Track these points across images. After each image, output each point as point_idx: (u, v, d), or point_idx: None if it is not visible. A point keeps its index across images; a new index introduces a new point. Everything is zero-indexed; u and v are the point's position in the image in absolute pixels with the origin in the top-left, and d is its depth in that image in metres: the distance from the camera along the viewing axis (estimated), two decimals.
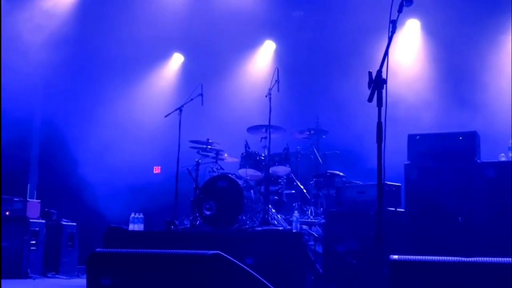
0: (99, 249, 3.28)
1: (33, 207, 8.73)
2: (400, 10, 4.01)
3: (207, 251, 2.84)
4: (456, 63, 8.96)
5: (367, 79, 3.82)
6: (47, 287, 7.49)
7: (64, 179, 10.54)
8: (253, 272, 2.88)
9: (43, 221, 8.79)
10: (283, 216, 7.76)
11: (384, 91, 3.73)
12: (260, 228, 7.21)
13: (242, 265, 2.87)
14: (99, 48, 10.71)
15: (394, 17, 3.99)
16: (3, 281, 7.70)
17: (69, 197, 10.34)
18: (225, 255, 2.85)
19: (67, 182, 10.49)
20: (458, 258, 2.70)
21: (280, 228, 7.25)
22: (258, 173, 8.02)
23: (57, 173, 10.74)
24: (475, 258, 2.76)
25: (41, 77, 10.50)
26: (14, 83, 9.70)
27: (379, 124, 3.70)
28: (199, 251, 2.87)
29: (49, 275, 8.59)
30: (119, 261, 3.12)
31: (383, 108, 3.71)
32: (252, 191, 7.88)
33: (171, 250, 2.94)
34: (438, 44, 9.33)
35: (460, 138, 6.31)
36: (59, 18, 10.56)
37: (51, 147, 10.86)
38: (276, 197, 8.17)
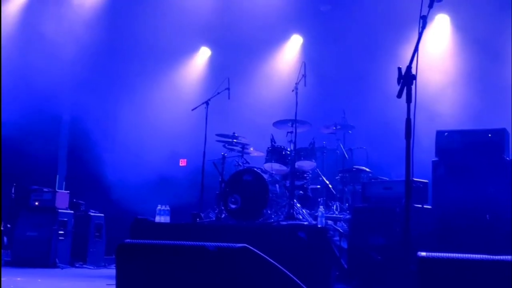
0: (128, 240, 3.32)
1: (62, 198, 8.87)
2: (431, 5, 3.97)
3: (234, 244, 2.86)
4: (486, 58, 8.83)
5: (395, 74, 3.79)
6: (74, 277, 7.59)
7: (92, 171, 10.69)
8: (280, 266, 2.90)
9: (72, 211, 8.92)
10: (308, 211, 7.75)
11: (413, 87, 3.70)
12: (285, 223, 7.22)
13: (269, 259, 2.89)
14: (126, 42, 10.83)
15: (424, 13, 3.94)
16: (32, 270, 7.86)
17: (97, 189, 10.48)
18: (252, 248, 2.87)
19: (95, 174, 10.64)
20: (488, 256, 2.68)
21: (305, 223, 7.25)
22: (284, 168, 8.03)
23: (85, 165, 10.90)
24: (504, 256, 2.73)
25: (71, 71, 10.64)
26: (45, 79, 9.88)
27: (408, 120, 3.67)
28: (226, 244, 2.89)
29: (77, 265, 8.73)
30: (148, 252, 3.16)
31: (412, 104, 3.69)
32: (277, 185, 7.90)
33: (200, 242, 2.97)
34: (467, 39, 9.21)
35: (489, 135, 6.23)
36: (87, 15, 10.69)
37: (79, 140, 11.01)
38: (301, 191, 8.17)
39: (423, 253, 2.78)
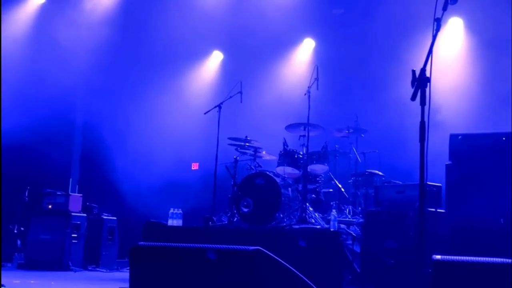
0: (142, 242, 3.33)
1: (75, 201, 8.91)
2: (445, 8, 3.94)
3: (248, 247, 2.86)
4: (499, 61, 8.78)
5: (408, 77, 3.77)
6: (87, 280, 7.62)
7: (105, 174, 10.74)
8: (293, 269, 2.89)
9: (85, 215, 8.96)
10: (320, 215, 7.74)
11: (427, 89, 3.68)
12: (297, 226, 7.21)
13: (283, 261, 2.88)
14: (139, 47, 10.89)
15: (438, 15, 3.92)
16: (46, 273, 7.90)
17: (109, 192, 10.53)
18: (265, 251, 2.87)
19: (108, 177, 10.68)
20: (502, 259, 2.66)
21: (318, 227, 7.24)
22: (296, 171, 8.02)
23: (98, 168, 10.95)
24: None
25: (84, 77, 10.72)
26: (58, 85, 9.96)
27: (422, 123, 3.65)
28: (240, 247, 2.89)
29: (90, 268, 8.76)
30: (162, 254, 3.17)
31: (426, 107, 3.66)
32: (289, 189, 7.89)
33: (214, 245, 2.98)
34: (481, 43, 9.16)
35: (504, 138, 6.18)
36: (100, 20, 10.76)
37: (93, 144, 11.07)
38: (313, 195, 8.15)
39: (438, 256, 2.77)
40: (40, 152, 10.04)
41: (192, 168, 10.84)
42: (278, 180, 7.68)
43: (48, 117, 9.97)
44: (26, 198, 9.20)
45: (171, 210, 7.96)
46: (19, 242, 8.95)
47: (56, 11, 10.56)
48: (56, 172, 10.53)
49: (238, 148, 8.53)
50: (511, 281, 2.65)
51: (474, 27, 9.35)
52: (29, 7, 10.92)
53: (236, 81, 8.77)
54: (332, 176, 8.41)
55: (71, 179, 11.11)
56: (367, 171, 8.19)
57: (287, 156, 8.06)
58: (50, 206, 8.86)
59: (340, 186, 8.36)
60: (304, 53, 10.97)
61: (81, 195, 9.22)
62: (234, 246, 2.90)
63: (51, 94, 10.00)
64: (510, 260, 2.71)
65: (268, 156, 8.64)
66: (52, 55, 10.16)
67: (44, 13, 10.80)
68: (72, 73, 10.30)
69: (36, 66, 10.09)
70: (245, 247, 2.86)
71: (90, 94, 11.11)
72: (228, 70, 11.19)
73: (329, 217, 7.09)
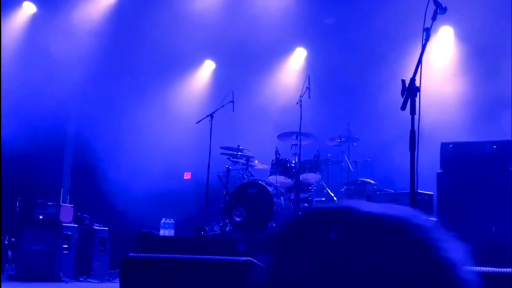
0: (133, 254, 3.31)
1: (66, 212, 8.86)
2: (434, 18, 3.97)
3: (238, 258, 2.85)
4: (489, 70, 8.84)
5: (399, 87, 3.79)
6: None
7: (97, 184, 10.68)
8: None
9: (76, 225, 8.90)
10: None
11: (417, 99, 3.70)
12: None
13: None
14: (131, 56, 10.87)
15: (427, 25, 3.95)
16: (37, 284, 7.84)
17: (101, 202, 10.48)
18: (256, 261, 2.86)
19: (99, 187, 10.63)
20: (494, 268, 2.66)
21: None
22: (288, 180, 8.02)
23: (89, 178, 10.90)
24: (510, 269, 2.71)
25: (75, 85, 10.68)
26: (49, 94, 9.93)
27: (412, 132, 3.66)
28: (230, 257, 2.88)
29: (81, 279, 8.69)
30: (153, 265, 3.15)
31: (416, 116, 3.68)
32: (282, 198, 7.88)
33: (204, 256, 2.96)
34: (471, 51, 9.22)
35: (494, 147, 6.21)
36: (91, 28, 10.76)
37: (84, 154, 11.02)
38: (306, 204, 8.15)
39: None
40: (31, 162, 9.99)
41: (184, 178, 10.82)
42: (270, 189, 7.68)
43: (39, 127, 9.93)
44: (17, 209, 9.14)
45: (163, 220, 7.94)
46: (9, 253, 8.88)
47: (47, 21, 10.55)
48: (48, 182, 10.48)
49: (230, 157, 8.53)
50: None
51: (464, 36, 9.42)
52: (20, 16, 10.90)
53: (228, 90, 8.78)
54: (325, 185, 8.42)
55: (62, 189, 11.06)
56: (359, 180, 8.20)
57: (279, 165, 8.06)
58: (41, 217, 8.81)
59: (332, 195, 8.36)
60: (295, 62, 11.00)
61: (72, 205, 9.17)
62: (224, 257, 2.89)
63: (42, 104, 9.96)
64: (501, 270, 2.71)
65: (261, 165, 8.64)
66: (43, 65, 10.13)
67: (35, 22, 10.79)
68: (64, 83, 10.27)
69: (28, 75, 10.06)
70: (236, 258, 2.85)
71: (82, 104, 11.08)
72: (220, 79, 11.20)
73: None
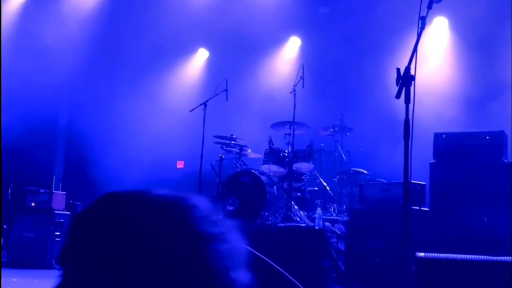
0: None
1: (59, 199, 8.84)
2: (429, 6, 3.96)
3: None
4: (484, 61, 8.85)
5: (394, 76, 3.78)
6: None
7: (89, 172, 10.65)
8: (278, 267, 2.88)
9: (68, 212, 8.88)
10: (305, 213, 7.74)
11: (412, 88, 3.69)
12: (282, 224, 7.21)
13: (268, 260, 2.87)
14: (123, 44, 10.81)
15: (423, 14, 3.94)
16: (28, 271, 7.82)
17: (93, 190, 10.44)
18: (250, 249, 2.85)
19: (92, 175, 10.60)
20: (486, 257, 2.67)
21: (303, 225, 7.24)
22: (281, 170, 8.02)
23: (82, 166, 10.87)
24: (501, 257, 2.73)
25: (67, 73, 10.63)
26: (42, 83, 9.86)
27: (407, 121, 3.66)
28: None
29: None
30: None
31: (410, 105, 3.67)
32: (275, 187, 7.88)
33: None
34: (466, 42, 9.23)
35: (487, 137, 6.22)
36: (83, 17, 10.68)
37: (76, 141, 10.99)
38: (299, 193, 8.16)
39: (422, 254, 2.78)
40: (23, 149, 9.94)
41: (177, 167, 10.81)
42: (263, 178, 7.67)
43: (31, 115, 9.87)
44: (9, 196, 9.10)
45: None
46: (2, 240, 8.85)
47: (38, 10, 10.45)
48: (40, 170, 10.44)
49: (224, 146, 8.51)
50: (494, 278, 2.66)
51: (458, 27, 9.42)
52: (11, 4, 10.79)
53: (221, 79, 8.74)
54: (318, 175, 8.43)
55: (54, 177, 11.03)
56: (352, 170, 8.21)
57: (272, 155, 8.05)
58: (33, 204, 8.78)
59: (325, 184, 8.38)
60: (290, 51, 10.98)
61: (65, 193, 9.14)
62: None
63: (34, 92, 9.90)
64: (492, 258, 2.72)
65: (254, 154, 8.64)
66: (35, 53, 10.06)
67: (26, 11, 10.68)
68: (56, 72, 10.21)
69: (19, 64, 9.97)
70: None
71: (74, 92, 11.02)
72: (213, 68, 11.17)
73: (314, 215, 7.10)
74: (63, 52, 10.26)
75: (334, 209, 7.98)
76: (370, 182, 7.49)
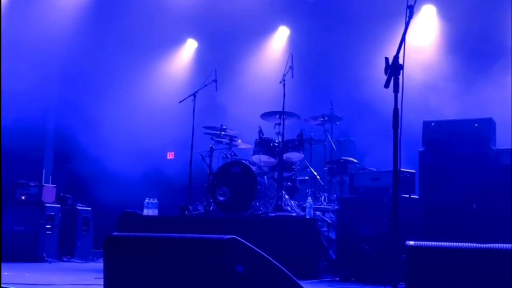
0: (116, 233, 3.31)
1: (49, 192, 8.81)
2: None
3: (223, 236, 2.85)
4: (472, 49, 8.88)
5: (382, 65, 3.79)
6: (62, 271, 7.55)
7: (79, 164, 10.62)
8: (269, 257, 2.90)
9: (59, 205, 8.86)
10: (296, 202, 7.77)
11: (400, 77, 3.70)
12: (273, 214, 7.24)
13: (258, 250, 2.88)
14: (112, 35, 10.74)
15: (411, 2, 3.94)
16: (19, 264, 7.81)
17: (83, 183, 10.43)
18: (241, 239, 2.86)
19: (82, 167, 10.57)
20: (475, 244, 2.69)
21: (294, 214, 7.27)
22: (272, 159, 8.03)
23: (72, 158, 10.83)
24: (490, 245, 2.75)
25: (56, 66, 10.55)
26: (30, 75, 9.78)
27: (396, 110, 3.67)
28: (215, 235, 2.89)
29: (64, 259, 8.68)
30: (136, 244, 3.15)
31: (399, 94, 3.69)
32: (265, 177, 7.90)
33: (188, 234, 2.96)
34: (454, 30, 9.24)
35: (476, 125, 6.26)
36: (69, 9, 10.59)
37: (66, 133, 10.93)
38: (289, 183, 8.18)
39: (411, 242, 2.80)
40: (13, 142, 9.87)
41: (168, 157, 10.79)
42: (253, 168, 7.69)
43: (20, 106, 9.80)
44: None
45: (147, 200, 7.93)
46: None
47: (23, 5, 10.32)
48: (29, 163, 10.38)
49: (214, 137, 8.52)
50: (484, 266, 2.69)
51: (447, 15, 9.43)
52: None
53: (211, 70, 8.73)
54: (308, 164, 8.45)
55: (44, 170, 10.95)
56: (342, 159, 8.24)
57: (262, 145, 8.06)
58: (23, 197, 8.75)
59: (315, 173, 8.40)
60: (278, 41, 10.95)
61: (55, 185, 9.11)
62: (209, 235, 2.89)
63: (23, 84, 9.81)
64: (482, 245, 2.75)
65: (244, 144, 8.64)
66: (21, 48, 9.95)
67: (10, 6, 10.55)
68: (43, 64, 10.12)
69: (5, 59, 9.87)
70: (220, 236, 2.85)
71: (62, 83, 10.95)
72: (202, 59, 11.13)
73: (305, 205, 7.13)
74: (49, 46, 10.15)
75: (324, 198, 8.02)
76: (360, 171, 7.52)
